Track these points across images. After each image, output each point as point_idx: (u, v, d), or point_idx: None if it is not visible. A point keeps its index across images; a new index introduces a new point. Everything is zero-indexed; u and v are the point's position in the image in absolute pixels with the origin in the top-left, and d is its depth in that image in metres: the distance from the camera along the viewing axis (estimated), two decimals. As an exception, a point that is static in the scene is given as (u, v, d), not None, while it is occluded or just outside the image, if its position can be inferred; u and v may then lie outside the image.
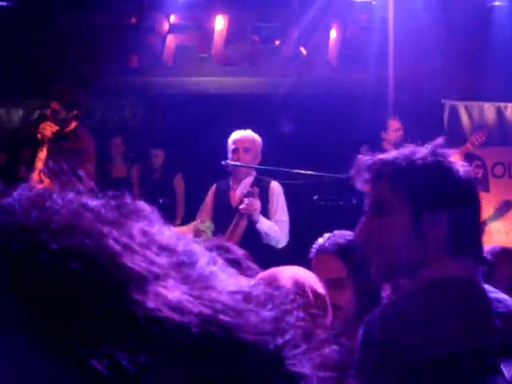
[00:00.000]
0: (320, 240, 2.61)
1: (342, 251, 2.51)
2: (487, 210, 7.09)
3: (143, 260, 0.50)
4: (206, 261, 0.54)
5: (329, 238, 2.59)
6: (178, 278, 0.51)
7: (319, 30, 7.34)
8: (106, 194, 0.59)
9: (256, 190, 4.51)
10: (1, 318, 0.46)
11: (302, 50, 7.33)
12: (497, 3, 7.37)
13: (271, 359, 0.50)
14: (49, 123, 4.96)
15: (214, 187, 4.92)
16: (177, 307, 0.48)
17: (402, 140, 6.56)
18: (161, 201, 6.54)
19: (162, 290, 0.49)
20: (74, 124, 5.19)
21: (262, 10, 7.46)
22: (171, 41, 7.46)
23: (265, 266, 4.28)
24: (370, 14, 7.28)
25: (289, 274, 1.81)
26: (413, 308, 1.60)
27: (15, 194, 0.57)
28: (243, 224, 4.51)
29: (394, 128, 6.68)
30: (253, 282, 0.56)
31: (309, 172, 4.22)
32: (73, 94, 5.05)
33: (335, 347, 0.56)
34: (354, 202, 3.97)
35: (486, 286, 1.70)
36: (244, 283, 0.55)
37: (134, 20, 7.49)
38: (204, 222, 4.79)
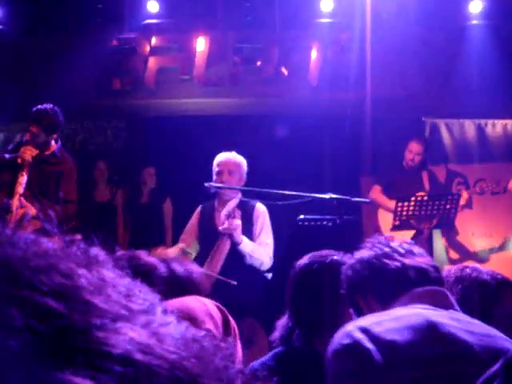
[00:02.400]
0: (304, 260, 2.60)
1: (327, 270, 2.52)
2: (473, 228, 7.12)
3: (114, 302, 0.52)
4: (162, 309, 0.56)
5: (313, 257, 2.60)
6: (143, 323, 0.52)
7: (300, 50, 7.39)
8: (65, 237, 0.61)
9: (238, 211, 4.52)
10: None
11: (284, 70, 7.37)
12: (474, 22, 7.46)
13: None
14: (29, 147, 4.92)
15: (199, 209, 4.92)
16: (148, 350, 0.50)
17: (415, 163, 6.53)
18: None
19: (132, 333, 0.50)
20: (54, 147, 5.16)
21: (243, 30, 7.51)
22: (153, 63, 7.47)
23: (248, 287, 4.28)
24: (349, 33, 7.34)
25: (202, 310, 1.75)
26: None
27: None
28: (226, 245, 4.51)
29: (409, 149, 6.57)
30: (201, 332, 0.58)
31: (292, 192, 4.23)
32: (52, 117, 5.01)
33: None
34: (338, 222, 3.98)
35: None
36: (195, 332, 0.57)
37: (115, 42, 7.50)
38: (189, 244, 4.79)
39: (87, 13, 7.53)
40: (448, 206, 5.96)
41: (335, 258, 2.54)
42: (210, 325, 1.70)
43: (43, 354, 0.47)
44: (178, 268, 2.19)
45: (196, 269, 2.29)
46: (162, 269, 2.07)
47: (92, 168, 7.21)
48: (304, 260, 2.60)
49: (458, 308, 1.87)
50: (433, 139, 7.51)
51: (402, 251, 2.00)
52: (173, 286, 1.91)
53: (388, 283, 1.94)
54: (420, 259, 1.98)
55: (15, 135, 7.68)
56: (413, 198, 5.96)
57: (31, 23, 7.44)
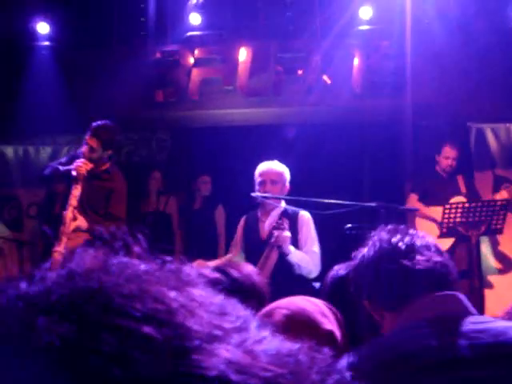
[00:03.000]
0: (340, 270, 2.52)
1: None
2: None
3: (207, 323, 0.52)
4: (256, 324, 0.56)
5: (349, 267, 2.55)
6: (237, 342, 0.52)
7: (341, 57, 7.38)
8: (156, 258, 0.61)
9: (285, 221, 4.50)
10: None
11: (326, 78, 7.37)
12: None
13: None
14: (84, 161, 4.97)
15: (242, 220, 4.93)
16: (242, 369, 0.50)
17: (452, 169, 6.50)
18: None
19: (226, 353, 0.50)
20: (107, 164, 5.23)
21: (285, 40, 7.53)
22: (196, 74, 7.54)
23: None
24: (389, 40, 7.30)
25: (284, 311, 1.66)
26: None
27: (74, 258, 0.59)
28: (274, 256, 4.51)
29: (445, 155, 6.57)
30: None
31: (339, 201, 4.21)
32: (111, 133, 5.09)
33: None
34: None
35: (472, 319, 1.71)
36: (290, 345, 0.56)
37: (158, 55, 7.60)
38: (236, 255, 4.81)
39: (131, 26, 7.63)
40: (496, 212, 5.87)
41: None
42: (328, 325, 1.63)
43: (141, 380, 0.48)
44: (236, 273, 2.16)
45: (252, 270, 2.25)
46: (222, 278, 2.04)
47: (140, 179, 7.30)
48: (341, 270, 2.51)
49: (473, 310, 1.77)
50: (478, 144, 7.42)
51: (406, 248, 1.85)
52: (235, 293, 1.90)
53: (392, 287, 1.82)
54: (424, 257, 1.84)
55: (62, 148, 7.83)
56: (460, 205, 5.89)
57: (76, 37, 7.57)
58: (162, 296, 0.53)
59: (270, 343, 0.54)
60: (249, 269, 2.22)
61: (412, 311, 1.74)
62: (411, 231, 1.94)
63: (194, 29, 7.52)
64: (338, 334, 1.60)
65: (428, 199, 6.33)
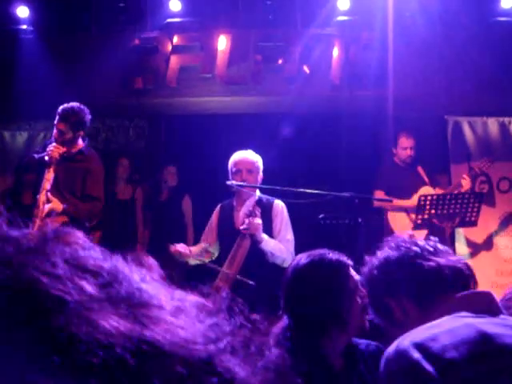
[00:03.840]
0: (303, 259, 2.53)
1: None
2: (493, 224, 7.10)
3: (65, 285, 0.52)
4: (136, 277, 0.56)
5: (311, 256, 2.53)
6: (103, 299, 0.52)
7: (321, 48, 7.37)
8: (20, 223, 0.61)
9: (257, 209, 4.51)
10: None
11: (305, 68, 7.36)
12: (502, 18, 7.38)
13: (202, 367, 0.51)
14: (56, 145, 4.99)
15: (217, 208, 4.93)
16: (104, 331, 0.49)
17: (412, 158, 6.54)
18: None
19: (87, 313, 0.50)
20: (81, 145, 5.22)
21: (265, 29, 7.51)
22: (175, 62, 7.49)
23: (270, 286, 4.28)
24: (370, 31, 7.31)
25: None
26: (451, 328, 1.67)
27: None
28: (246, 244, 4.51)
29: (402, 145, 6.60)
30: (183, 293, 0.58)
31: (314, 191, 4.22)
32: (78, 114, 5.09)
33: (278, 351, 0.59)
34: (360, 220, 3.97)
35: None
36: (176, 295, 0.57)
37: (137, 41, 7.54)
38: (210, 243, 4.80)
39: (109, 12, 7.56)
40: (471, 205, 5.92)
41: (332, 255, 2.49)
42: None
43: None
44: None
45: None
46: None
47: (114, 166, 7.26)
48: (303, 259, 2.52)
49: (505, 312, 1.79)
50: (455, 137, 7.47)
51: (432, 249, 1.94)
52: None
53: (425, 285, 1.87)
54: (451, 257, 1.93)
55: (39, 134, 7.76)
56: (434, 197, 5.92)
57: (53, 23, 7.50)
58: (13, 261, 0.53)
59: (146, 294, 0.55)
60: None
61: (451, 306, 1.77)
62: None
63: (173, 15, 7.47)
64: None
65: (394, 193, 6.31)
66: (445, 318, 1.72)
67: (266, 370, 0.55)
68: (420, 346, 1.60)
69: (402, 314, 1.91)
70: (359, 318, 2.46)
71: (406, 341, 1.64)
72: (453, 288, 1.83)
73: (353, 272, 2.50)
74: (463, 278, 1.87)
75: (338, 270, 2.47)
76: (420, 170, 6.58)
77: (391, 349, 1.67)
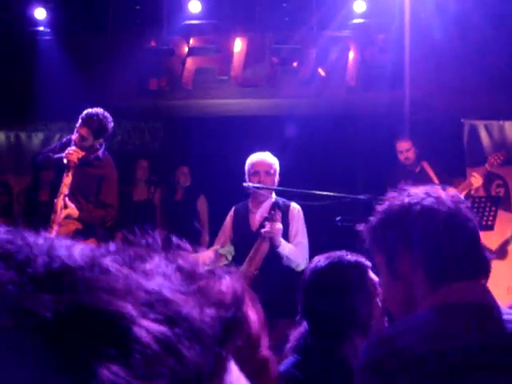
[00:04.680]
0: (321, 261, 2.47)
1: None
2: (509, 228, 7.04)
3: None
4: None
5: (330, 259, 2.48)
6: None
7: (337, 50, 7.36)
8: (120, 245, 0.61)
9: (278, 213, 4.49)
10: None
11: (321, 71, 7.35)
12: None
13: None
14: (75, 149, 4.95)
15: (232, 210, 4.91)
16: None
17: (415, 159, 6.52)
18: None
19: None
20: (99, 150, 5.21)
21: (281, 31, 7.51)
22: (191, 64, 7.51)
23: (285, 289, 4.26)
24: (386, 34, 7.29)
25: None
26: (424, 323, 1.64)
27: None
28: (265, 247, 4.50)
29: (399, 149, 6.61)
30: None
31: (330, 193, 4.20)
32: (102, 121, 5.04)
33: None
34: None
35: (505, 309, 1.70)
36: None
37: (153, 43, 7.56)
38: (224, 246, 4.78)
39: (126, 14, 7.59)
40: (487, 209, 5.88)
41: (351, 257, 2.47)
42: None
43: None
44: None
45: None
46: None
47: (131, 168, 7.27)
48: (322, 261, 2.47)
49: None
50: (471, 140, 7.43)
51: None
52: None
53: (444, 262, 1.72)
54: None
55: (54, 135, 7.80)
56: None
57: (70, 25, 7.54)
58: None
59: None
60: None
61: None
62: None
63: (189, 18, 7.49)
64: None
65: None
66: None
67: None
68: (387, 341, 1.61)
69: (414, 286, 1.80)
70: (379, 321, 2.44)
71: (375, 336, 1.67)
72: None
73: (372, 274, 2.48)
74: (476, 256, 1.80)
75: (358, 271, 2.45)
76: (426, 166, 6.56)
77: (364, 344, 1.68)
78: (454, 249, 1.73)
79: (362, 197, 4.03)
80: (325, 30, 7.34)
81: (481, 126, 7.45)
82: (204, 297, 0.55)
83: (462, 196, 1.92)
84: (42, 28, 7.65)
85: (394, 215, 1.81)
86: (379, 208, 1.88)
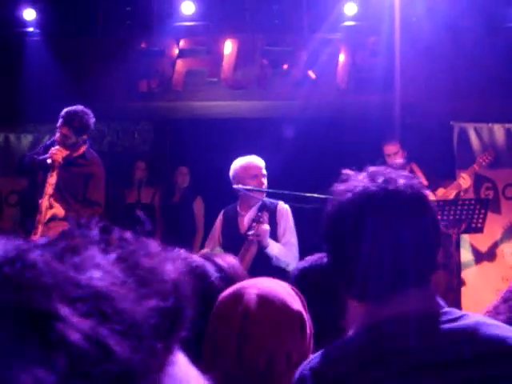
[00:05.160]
0: (302, 263, 2.53)
1: None
2: (498, 231, 7.07)
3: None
4: None
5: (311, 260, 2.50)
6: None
7: (328, 53, 7.36)
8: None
9: (265, 214, 4.49)
10: None
11: (311, 73, 7.35)
12: (509, 24, 7.36)
13: None
14: (59, 148, 4.96)
15: (221, 214, 4.90)
16: None
17: (404, 162, 6.51)
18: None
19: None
20: (83, 149, 5.19)
21: (271, 34, 7.51)
22: (181, 65, 7.50)
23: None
24: (377, 36, 7.30)
25: (254, 290, 1.53)
26: (353, 349, 1.46)
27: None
28: (253, 250, 4.50)
29: (389, 152, 6.59)
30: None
31: (319, 195, 4.21)
32: (82, 118, 5.04)
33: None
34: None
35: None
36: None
37: (143, 45, 7.54)
38: (213, 249, 4.78)
39: (116, 15, 7.57)
40: (476, 211, 5.89)
41: None
42: (297, 306, 1.54)
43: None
44: (224, 264, 2.13)
45: (235, 261, 2.22)
46: (210, 267, 2.00)
47: (121, 169, 7.25)
48: (303, 263, 2.51)
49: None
50: (461, 143, 7.44)
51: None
52: (224, 283, 1.84)
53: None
54: None
55: (44, 137, 7.77)
56: (441, 203, 5.90)
57: (60, 26, 7.50)
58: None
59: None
60: (232, 260, 2.20)
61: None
62: None
63: (180, 19, 7.47)
64: (304, 314, 1.53)
65: None
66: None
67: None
68: (311, 367, 1.46)
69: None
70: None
71: (305, 367, 1.48)
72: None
73: None
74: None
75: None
76: (415, 168, 6.55)
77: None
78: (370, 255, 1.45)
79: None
80: (315, 32, 7.34)
81: (470, 128, 7.47)
82: (143, 287, 0.54)
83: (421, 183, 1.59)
84: (31, 29, 7.61)
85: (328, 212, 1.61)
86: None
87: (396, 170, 1.58)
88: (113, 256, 0.56)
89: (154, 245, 0.59)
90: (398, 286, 1.47)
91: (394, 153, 6.54)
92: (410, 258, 1.45)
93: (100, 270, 0.54)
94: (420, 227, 1.48)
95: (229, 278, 2.03)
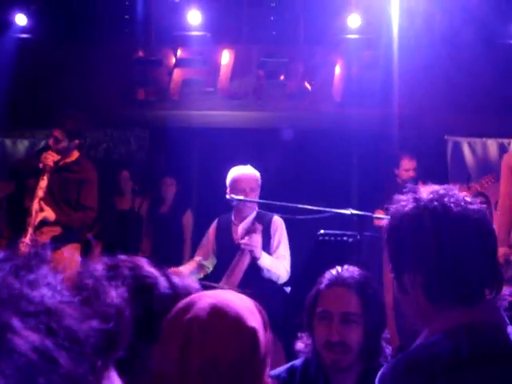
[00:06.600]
0: (333, 272, 2.56)
1: (359, 286, 2.49)
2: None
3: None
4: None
5: (343, 271, 2.54)
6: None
7: (324, 66, 7.40)
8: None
9: (259, 226, 4.49)
10: None
11: (307, 85, 7.39)
12: (506, 40, 7.40)
13: None
14: (51, 152, 4.97)
15: (215, 222, 4.89)
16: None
17: (413, 179, 6.54)
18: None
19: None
20: (76, 154, 5.19)
21: (268, 45, 7.55)
22: (178, 74, 7.53)
23: (267, 301, 4.26)
24: (374, 50, 7.34)
25: (210, 300, 1.51)
26: (428, 357, 1.54)
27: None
28: (246, 260, 4.49)
29: (405, 167, 6.59)
30: None
31: (311, 207, 4.22)
32: (75, 122, 5.04)
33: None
34: (359, 237, 3.97)
35: None
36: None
37: (141, 53, 7.58)
38: (206, 257, 4.78)
39: (115, 24, 7.61)
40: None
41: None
42: (252, 323, 1.51)
43: None
44: (179, 283, 2.11)
45: (195, 286, 2.21)
46: (163, 283, 1.98)
47: (115, 176, 7.24)
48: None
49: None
50: (455, 158, 7.48)
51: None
52: (173, 300, 1.82)
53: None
54: None
55: (40, 142, 7.78)
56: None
57: (57, 32, 7.52)
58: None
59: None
60: (192, 283, 2.15)
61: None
62: None
63: (177, 29, 7.50)
64: (261, 333, 1.55)
65: None
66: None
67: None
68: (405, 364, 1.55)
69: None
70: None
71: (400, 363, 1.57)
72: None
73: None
74: None
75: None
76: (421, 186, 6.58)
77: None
78: (450, 263, 1.60)
79: (343, 211, 4.05)
80: (312, 44, 7.38)
81: (464, 143, 7.51)
82: (88, 308, 0.58)
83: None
84: (26, 35, 7.63)
85: (392, 226, 1.76)
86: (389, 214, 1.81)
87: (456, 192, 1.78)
88: (61, 276, 0.60)
89: (99, 268, 0.65)
90: (480, 295, 1.61)
91: (413, 169, 6.55)
92: (489, 271, 1.65)
93: (50, 288, 0.57)
94: (489, 244, 1.71)
95: (178, 296, 2.01)
